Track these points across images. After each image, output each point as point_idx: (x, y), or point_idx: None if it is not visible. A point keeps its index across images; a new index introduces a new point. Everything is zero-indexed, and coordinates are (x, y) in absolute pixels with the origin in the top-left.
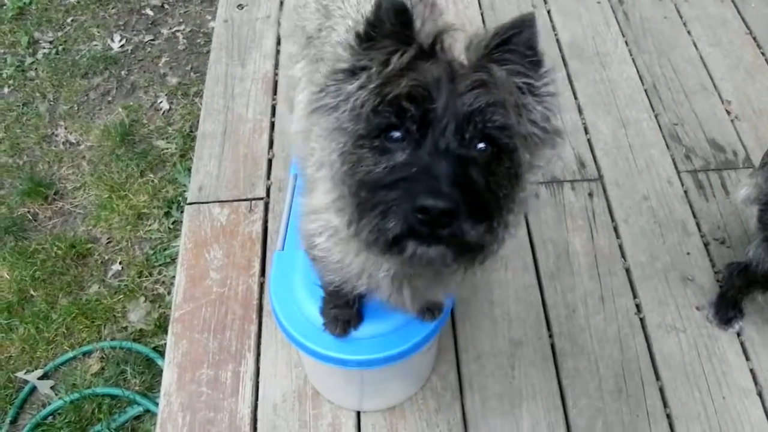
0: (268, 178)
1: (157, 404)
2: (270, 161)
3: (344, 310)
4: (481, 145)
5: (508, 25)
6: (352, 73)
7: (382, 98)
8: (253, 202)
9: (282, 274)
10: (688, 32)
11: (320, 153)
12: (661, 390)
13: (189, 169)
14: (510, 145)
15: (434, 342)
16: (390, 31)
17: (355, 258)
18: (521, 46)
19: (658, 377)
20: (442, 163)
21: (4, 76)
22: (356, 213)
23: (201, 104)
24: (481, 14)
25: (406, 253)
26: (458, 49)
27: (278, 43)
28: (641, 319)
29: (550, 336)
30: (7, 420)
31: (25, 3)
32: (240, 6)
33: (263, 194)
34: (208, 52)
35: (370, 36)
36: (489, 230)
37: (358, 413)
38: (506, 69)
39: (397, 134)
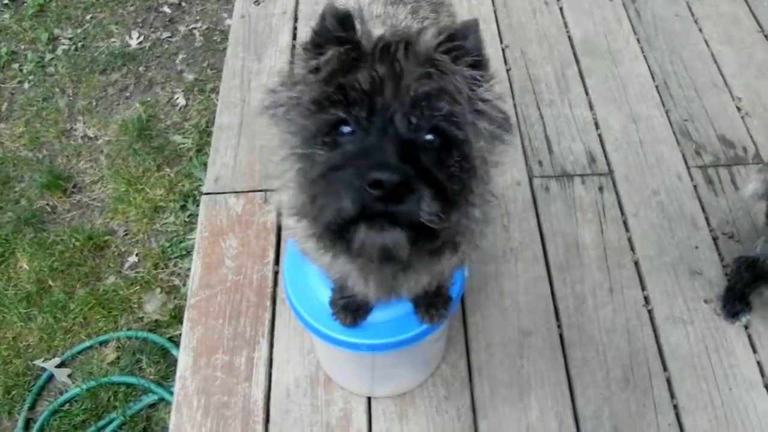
0: None
1: (171, 393)
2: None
3: (352, 300)
4: (429, 136)
5: (453, 30)
6: (303, 78)
7: (328, 88)
8: (268, 193)
9: (296, 260)
10: (700, 30)
11: (278, 167)
12: (668, 381)
13: (205, 164)
14: (459, 136)
15: (445, 330)
16: (335, 36)
17: (322, 255)
18: (468, 48)
19: (665, 368)
20: (392, 143)
21: (25, 71)
22: (309, 203)
23: (217, 100)
24: (494, 11)
25: (356, 242)
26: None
27: (294, 38)
28: (649, 311)
29: (559, 326)
30: (26, 406)
31: (45, 0)
32: (257, 2)
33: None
34: (225, 49)
35: (316, 44)
36: (444, 212)
37: (369, 399)
38: (454, 63)
39: (347, 129)
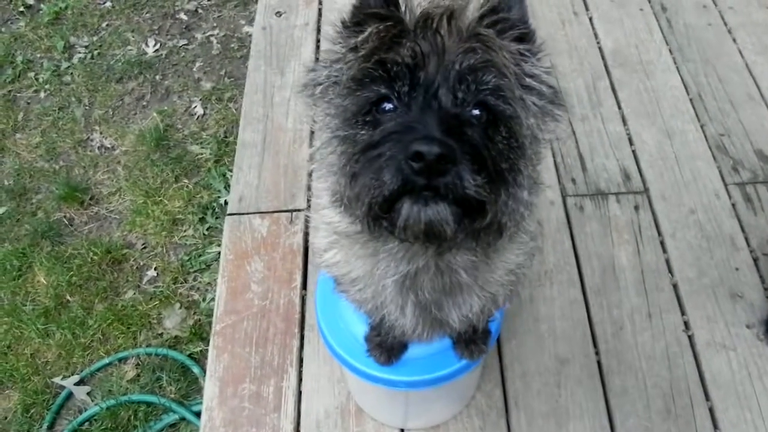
0: (309, 188)
1: (192, 413)
2: (310, 172)
3: (388, 338)
4: (475, 111)
5: (496, 0)
6: (343, 57)
7: (368, 64)
8: (294, 213)
9: (328, 291)
10: (734, 40)
11: (319, 153)
12: (711, 410)
13: (224, 175)
14: (506, 112)
15: (481, 361)
16: (376, 12)
17: (358, 262)
18: (513, 20)
19: (707, 397)
20: (435, 117)
21: (41, 80)
22: (348, 181)
23: (235, 109)
24: None
25: (400, 218)
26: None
27: (317, 51)
28: (690, 337)
29: (597, 353)
30: (45, 425)
31: (61, 8)
32: (278, 13)
33: (304, 205)
34: (242, 57)
35: (357, 21)
36: (490, 187)
37: (402, 431)
38: (499, 36)
39: (388, 106)
